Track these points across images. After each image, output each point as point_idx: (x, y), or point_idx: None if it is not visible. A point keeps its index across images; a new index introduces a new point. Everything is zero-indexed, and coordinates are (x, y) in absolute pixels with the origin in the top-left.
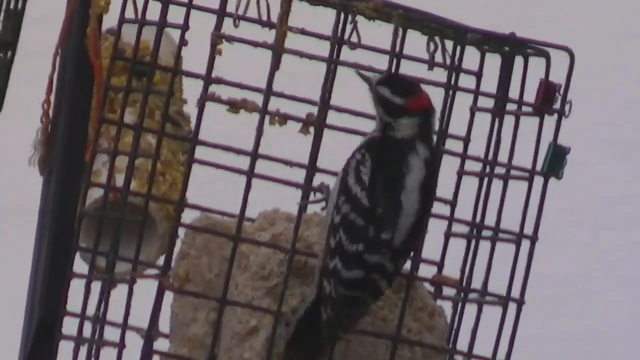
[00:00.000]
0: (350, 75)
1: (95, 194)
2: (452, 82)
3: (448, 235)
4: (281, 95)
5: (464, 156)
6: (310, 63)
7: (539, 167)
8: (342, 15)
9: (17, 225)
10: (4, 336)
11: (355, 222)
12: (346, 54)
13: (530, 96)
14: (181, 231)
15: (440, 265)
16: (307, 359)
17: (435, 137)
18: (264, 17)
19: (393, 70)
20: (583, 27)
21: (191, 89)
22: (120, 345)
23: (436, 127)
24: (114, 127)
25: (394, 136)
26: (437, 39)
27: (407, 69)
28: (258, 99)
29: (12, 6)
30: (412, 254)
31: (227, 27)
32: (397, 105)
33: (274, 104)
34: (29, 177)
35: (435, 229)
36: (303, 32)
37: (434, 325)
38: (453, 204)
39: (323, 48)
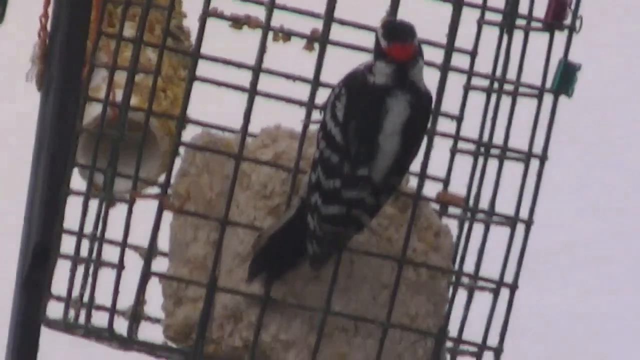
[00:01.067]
0: None
1: (94, 110)
2: None
3: (454, 152)
4: (284, 8)
5: (470, 71)
6: None
7: (549, 85)
8: None
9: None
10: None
11: (331, 159)
12: None
13: (540, 11)
14: (182, 149)
15: (446, 182)
16: (272, 276)
17: (424, 83)
18: None
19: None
20: None
21: (191, 3)
22: (119, 266)
23: (420, 77)
24: (114, 41)
25: (369, 78)
26: None
27: None
28: (261, 14)
29: None
30: (394, 190)
31: None
32: (380, 46)
33: (278, 19)
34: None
35: (441, 146)
36: None
37: (440, 245)
38: (459, 119)
39: None
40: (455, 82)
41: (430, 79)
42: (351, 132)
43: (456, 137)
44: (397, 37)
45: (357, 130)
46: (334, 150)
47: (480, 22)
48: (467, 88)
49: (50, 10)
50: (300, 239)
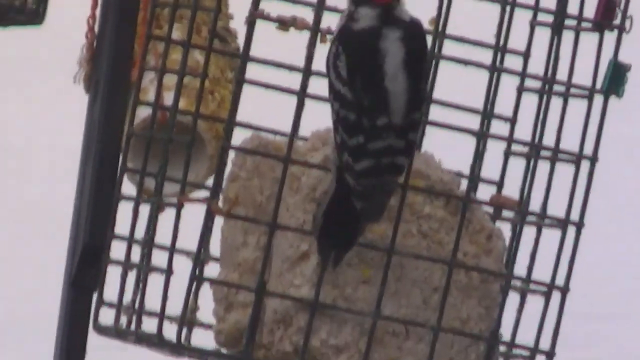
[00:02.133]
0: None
1: (142, 112)
2: None
3: (507, 154)
4: (332, 9)
5: (523, 73)
6: None
7: (599, 85)
8: None
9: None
10: (48, 261)
11: (348, 117)
12: None
13: (589, 11)
14: (231, 152)
15: (499, 185)
16: (342, 250)
17: (409, 15)
18: None
19: None
20: None
21: (237, 5)
22: (168, 272)
23: (404, 13)
24: (161, 43)
25: (354, 27)
26: None
27: None
28: (308, 15)
29: None
30: (419, 125)
31: None
32: None
33: (325, 21)
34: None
35: (494, 148)
36: None
37: (492, 249)
38: (513, 121)
39: None
40: (508, 83)
41: (482, 80)
42: (358, 86)
43: (509, 140)
44: None
45: (364, 83)
46: (348, 108)
47: (533, 23)
48: (521, 90)
49: (97, 12)
50: (347, 205)
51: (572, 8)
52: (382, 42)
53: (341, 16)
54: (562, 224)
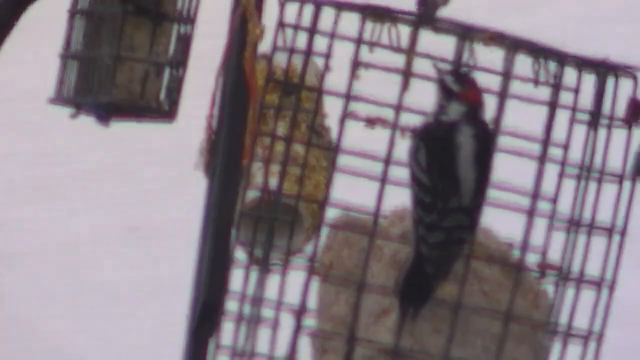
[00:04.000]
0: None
1: (252, 194)
2: (555, 97)
3: (550, 227)
4: (410, 110)
5: (564, 161)
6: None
7: (628, 171)
8: (461, 42)
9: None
10: (172, 315)
11: (425, 199)
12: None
13: (620, 111)
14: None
15: (544, 252)
16: (417, 308)
17: (486, 122)
18: (395, 44)
19: (502, 88)
20: None
21: (331, 104)
22: (275, 324)
23: (485, 117)
24: (267, 137)
25: (443, 119)
26: (541, 61)
27: (517, 87)
28: (389, 113)
29: (182, 32)
30: (483, 206)
31: (364, 52)
32: (453, 91)
33: (404, 119)
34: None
35: (540, 223)
36: (428, 56)
37: (539, 305)
38: (555, 201)
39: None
40: (551, 170)
41: (529, 168)
42: (435, 174)
43: (552, 216)
44: (466, 84)
45: (440, 171)
46: (425, 191)
47: (572, 120)
48: (561, 175)
49: (215, 111)
50: (422, 270)
51: (605, 108)
52: (458, 136)
53: (430, 111)
54: (597, 284)
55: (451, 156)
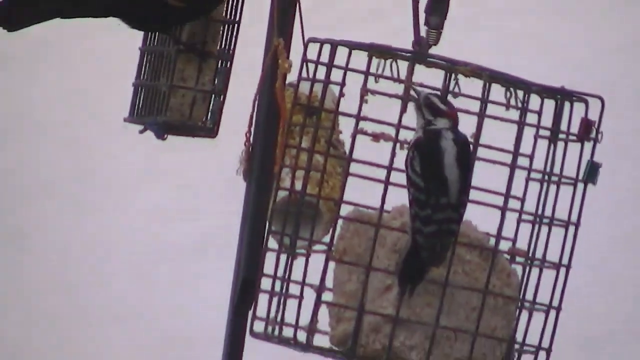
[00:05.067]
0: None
1: (281, 194)
2: (522, 118)
3: (519, 221)
4: (407, 128)
5: (529, 169)
6: None
7: (581, 177)
8: (448, 74)
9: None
10: (222, 290)
11: (420, 198)
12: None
13: (574, 128)
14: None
15: (514, 241)
16: (413, 286)
17: (463, 133)
18: (395, 76)
19: (481, 115)
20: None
21: (345, 123)
22: (300, 298)
23: (461, 131)
24: (294, 149)
25: (430, 129)
26: (512, 89)
27: (492, 110)
28: (391, 130)
29: (222, 66)
30: (467, 203)
31: (370, 82)
32: (441, 109)
33: (402, 134)
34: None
35: (510, 218)
36: (422, 85)
37: (510, 283)
38: (522, 200)
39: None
40: (519, 176)
41: (501, 174)
42: (427, 177)
43: (520, 212)
44: (448, 105)
45: (431, 175)
46: (420, 192)
47: (536, 136)
48: (527, 180)
49: (252, 129)
50: (418, 255)
51: (563, 126)
52: (442, 141)
53: (417, 128)
54: (557, 266)
55: (438, 160)
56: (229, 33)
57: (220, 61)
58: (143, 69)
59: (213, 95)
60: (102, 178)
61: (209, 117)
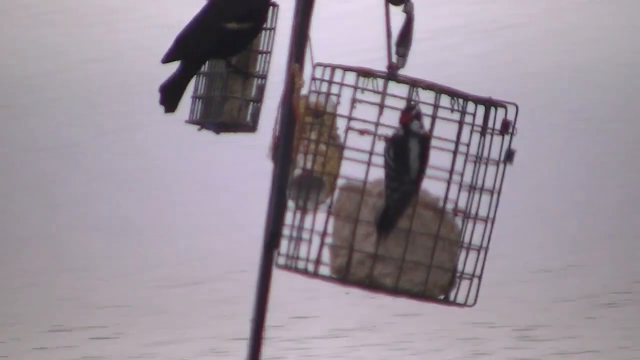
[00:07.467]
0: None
1: (297, 172)
2: (462, 118)
3: (459, 189)
4: (384, 125)
5: (467, 153)
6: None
7: (502, 159)
8: (412, 88)
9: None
10: (256, 236)
11: (390, 174)
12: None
13: (497, 125)
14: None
15: (456, 202)
16: (386, 232)
17: (423, 133)
18: (375, 89)
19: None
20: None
21: (340, 122)
22: (309, 241)
23: (420, 128)
24: (305, 141)
25: (405, 128)
26: (455, 98)
27: (441, 112)
28: (372, 127)
29: (259, 83)
30: (423, 179)
31: (358, 94)
32: (411, 115)
33: (380, 130)
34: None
35: (453, 187)
36: (394, 96)
37: (454, 231)
38: (462, 175)
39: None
40: (460, 159)
41: (447, 157)
42: (397, 161)
43: (460, 184)
44: (405, 111)
45: (400, 160)
46: (391, 170)
47: (471, 130)
48: (465, 161)
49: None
50: (389, 213)
51: (490, 124)
52: (410, 141)
53: (394, 130)
54: (485, 220)
55: (405, 154)
56: (264, 60)
57: (257, 79)
58: (198, 86)
59: (253, 103)
60: None
61: (250, 118)
